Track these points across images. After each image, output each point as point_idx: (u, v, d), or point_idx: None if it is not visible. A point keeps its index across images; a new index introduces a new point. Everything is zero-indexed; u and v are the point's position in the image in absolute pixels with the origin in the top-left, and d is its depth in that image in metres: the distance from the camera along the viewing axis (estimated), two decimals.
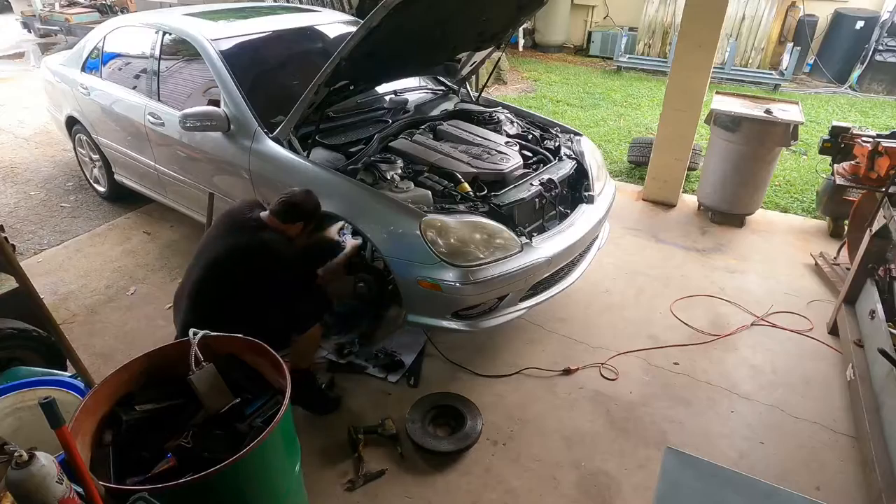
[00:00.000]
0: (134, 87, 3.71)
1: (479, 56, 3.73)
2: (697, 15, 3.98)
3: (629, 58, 8.96)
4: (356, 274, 2.85)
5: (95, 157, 4.33)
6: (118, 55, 3.96)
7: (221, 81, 3.09)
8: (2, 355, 2.22)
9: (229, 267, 2.24)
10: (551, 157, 3.16)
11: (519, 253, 2.56)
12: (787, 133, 3.87)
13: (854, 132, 3.72)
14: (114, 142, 3.96)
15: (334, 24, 3.95)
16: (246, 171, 2.98)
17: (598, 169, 3.25)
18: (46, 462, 1.15)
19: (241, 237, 2.27)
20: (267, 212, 2.34)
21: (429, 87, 3.92)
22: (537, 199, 2.84)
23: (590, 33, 9.86)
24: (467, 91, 3.90)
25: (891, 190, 2.80)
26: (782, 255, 3.96)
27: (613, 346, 3.05)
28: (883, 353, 2.33)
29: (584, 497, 2.28)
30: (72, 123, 4.37)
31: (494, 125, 3.43)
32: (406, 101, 3.52)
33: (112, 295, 3.45)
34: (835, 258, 3.75)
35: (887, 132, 3.61)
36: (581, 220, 2.92)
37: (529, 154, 3.17)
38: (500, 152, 3.02)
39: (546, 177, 2.92)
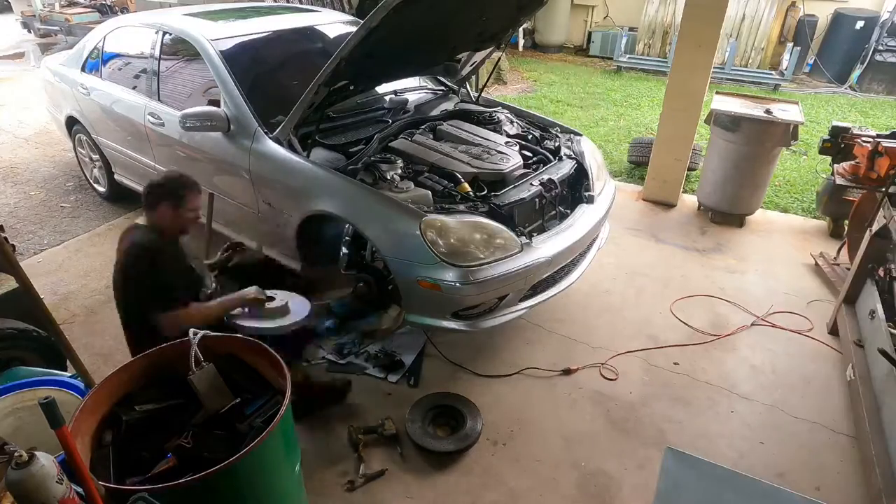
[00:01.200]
0: (134, 88, 3.70)
1: (479, 56, 3.73)
2: (697, 15, 3.98)
3: (629, 58, 8.96)
4: (356, 274, 2.85)
5: (95, 157, 4.33)
6: (118, 55, 3.96)
7: (221, 81, 3.09)
8: (2, 355, 2.22)
9: (119, 281, 2.27)
10: (551, 157, 3.16)
11: (519, 253, 2.56)
12: (787, 133, 3.87)
13: (854, 132, 3.72)
14: (114, 142, 3.96)
15: (334, 24, 3.95)
16: (246, 171, 2.98)
17: (598, 169, 3.25)
18: (46, 462, 1.16)
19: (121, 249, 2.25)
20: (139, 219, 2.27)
21: (429, 87, 3.92)
22: (537, 199, 2.84)
23: (590, 33, 9.86)
24: (467, 91, 3.90)
25: (891, 190, 2.80)
26: (782, 255, 3.96)
27: (613, 347, 3.05)
28: (883, 353, 2.33)
29: (584, 497, 2.28)
30: (72, 123, 4.37)
31: (494, 125, 3.43)
32: (406, 101, 3.52)
33: (112, 295, 3.44)
34: (835, 258, 3.75)
35: (887, 132, 3.62)
36: (581, 220, 2.92)
37: (529, 154, 3.17)
38: (500, 152, 3.01)
39: (546, 177, 2.92)
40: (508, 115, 3.58)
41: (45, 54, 7.49)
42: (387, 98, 3.53)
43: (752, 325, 3.26)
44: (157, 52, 3.56)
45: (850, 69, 8.11)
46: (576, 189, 3.15)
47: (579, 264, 3.05)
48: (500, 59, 4.36)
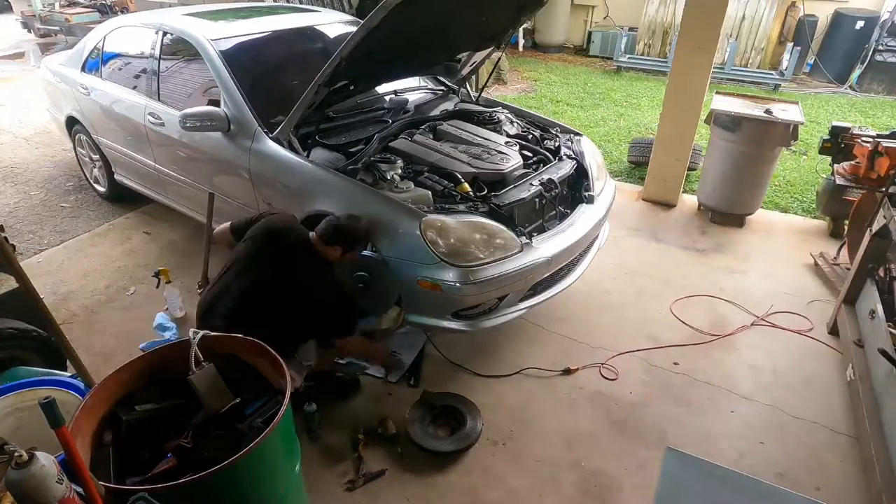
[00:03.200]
0: (134, 87, 3.71)
1: (479, 56, 3.73)
2: (697, 15, 3.98)
3: (629, 58, 8.96)
4: (355, 274, 2.84)
5: (95, 157, 4.33)
6: (118, 55, 3.96)
7: (221, 81, 3.09)
8: (2, 355, 2.22)
9: (273, 290, 2.28)
10: (551, 157, 3.16)
11: (519, 253, 2.56)
12: (787, 133, 3.87)
13: (854, 132, 3.72)
14: (114, 142, 3.97)
15: (334, 24, 3.95)
16: (246, 171, 2.98)
17: (598, 169, 3.25)
18: (46, 462, 1.15)
19: (286, 260, 2.32)
20: (313, 233, 2.41)
21: (429, 87, 3.92)
22: (537, 199, 2.84)
23: (590, 33, 9.86)
24: (467, 91, 3.90)
25: (891, 190, 2.80)
26: (782, 255, 3.96)
27: (613, 346, 3.05)
28: (883, 353, 2.33)
29: (584, 497, 2.28)
30: (72, 123, 4.37)
31: (494, 125, 3.43)
32: (406, 101, 3.52)
33: (112, 295, 3.45)
34: (835, 258, 3.75)
35: (887, 132, 3.61)
36: (581, 220, 2.92)
37: (529, 154, 3.17)
38: (500, 152, 3.01)
39: (546, 177, 2.92)
40: (508, 115, 3.58)
41: (45, 54, 7.50)
42: (387, 98, 3.53)
43: (752, 325, 3.26)
44: (157, 52, 3.56)
45: (850, 69, 8.11)
46: (576, 189, 3.15)
47: (579, 264, 3.05)
48: (500, 59, 4.36)
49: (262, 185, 2.97)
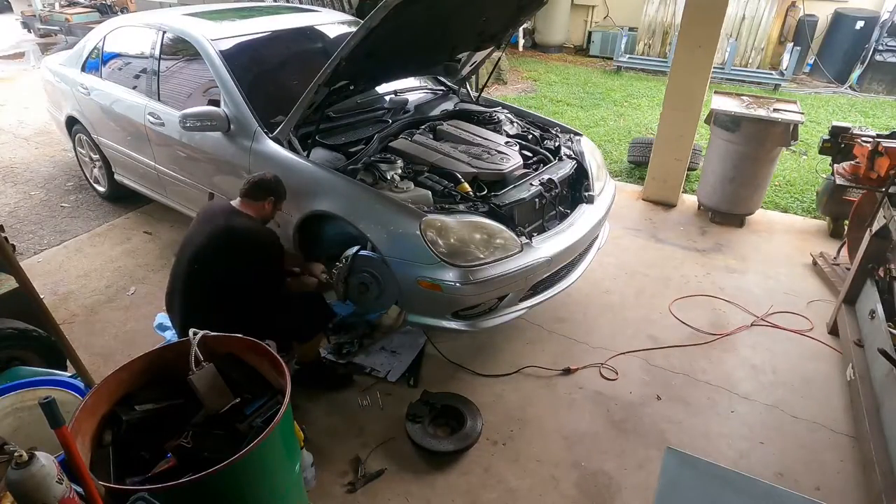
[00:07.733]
0: (134, 87, 3.71)
1: (479, 56, 3.73)
2: (697, 15, 3.98)
3: (629, 58, 8.96)
4: (356, 274, 2.84)
5: (95, 157, 4.33)
6: (118, 55, 3.96)
7: (221, 81, 3.09)
8: (2, 355, 2.22)
9: (211, 256, 2.28)
10: (551, 157, 3.16)
11: (519, 253, 2.56)
12: (787, 133, 3.87)
13: (854, 132, 3.71)
14: (114, 142, 3.97)
15: (334, 24, 3.95)
16: (246, 171, 2.98)
17: (598, 169, 3.25)
18: (46, 462, 1.16)
19: (217, 223, 2.33)
20: (237, 199, 2.42)
21: (429, 87, 3.92)
22: (537, 199, 2.84)
23: (590, 33, 9.86)
24: (467, 91, 3.90)
25: (891, 190, 2.80)
26: (782, 255, 3.96)
27: (613, 346, 3.05)
28: (883, 353, 2.33)
29: (584, 497, 2.28)
30: (72, 123, 4.37)
31: (494, 125, 3.43)
32: (406, 101, 3.52)
33: (112, 295, 3.45)
34: (835, 258, 3.74)
35: (887, 132, 3.61)
36: (581, 220, 2.92)
37: (529, 154, 3.17)
38: (500, 152, 3.02)
39: (546, 177, 2.92)
40: (508, 115, 3.58)
41: (45, 54, 7.50)
42: (387, 98, 3.54)
43: (752, 325, 3.26)
44: (157, 52, 3.56)
45: (850, 69, 8.11)
46: (576, 189, 3.15)
47: (579, 264, 3.05)
48: (500, 59, 4.36)
49: None
